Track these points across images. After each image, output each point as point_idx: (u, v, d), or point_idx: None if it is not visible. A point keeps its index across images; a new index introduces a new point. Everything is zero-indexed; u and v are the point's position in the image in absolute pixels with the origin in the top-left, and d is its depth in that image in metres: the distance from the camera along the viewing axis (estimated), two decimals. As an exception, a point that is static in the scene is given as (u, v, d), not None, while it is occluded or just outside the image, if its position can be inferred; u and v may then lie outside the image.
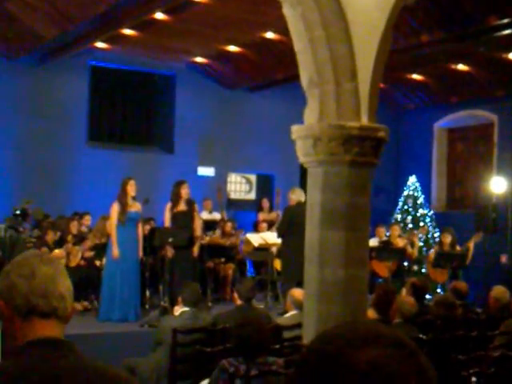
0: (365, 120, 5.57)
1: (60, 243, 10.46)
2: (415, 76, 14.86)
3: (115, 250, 9.03)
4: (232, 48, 13.51)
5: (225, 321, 5.94)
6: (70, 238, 10.50)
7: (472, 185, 15.69)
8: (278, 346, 5.24)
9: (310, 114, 5.71)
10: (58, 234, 10.68)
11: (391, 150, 15.28)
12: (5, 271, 1.91)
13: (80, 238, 10.64)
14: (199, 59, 14.54)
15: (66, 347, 1.85)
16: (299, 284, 6.96)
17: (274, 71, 14.05)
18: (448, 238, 11.91)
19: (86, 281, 9.98)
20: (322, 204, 5.62)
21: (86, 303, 10.04)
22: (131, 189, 9.26)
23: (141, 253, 9.48)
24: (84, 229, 11.40)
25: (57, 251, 10.12)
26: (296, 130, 5.80)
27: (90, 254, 10.41)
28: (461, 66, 13.77)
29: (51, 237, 10.36)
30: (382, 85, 6.02)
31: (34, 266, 1.88)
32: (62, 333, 1.89)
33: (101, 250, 9.92)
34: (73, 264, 10.13)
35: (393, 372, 0.91)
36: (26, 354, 1.81)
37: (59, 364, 1.80)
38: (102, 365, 1.89)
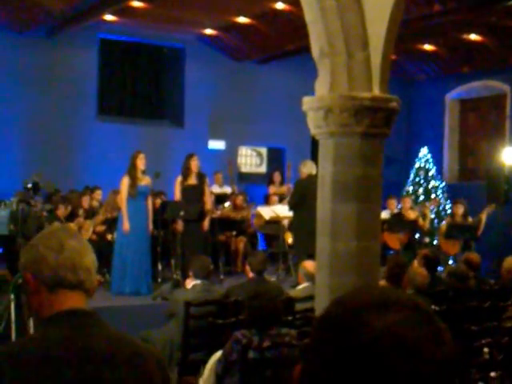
0: (376, 91, 5.51)
1: (71, 217, 10.49)
2: (427, 46, 14.69)
3: (126, 224, 9.06)
4: (242, 19, 13.38)
5: (237, 293, 5.95)
6: (81, 212, 10.53)
7: (484, 156, 15.58)
8: (290, 318, 5.25)
9: (321, 85, 5.65)
10: (69, 208, 10.71)
11: (402, 121, 15.19)
12: (31, 244, 1.94)
13: (91, 213, 10.67)
14: (209, 31, 14.42)
15: (95, 318, 1.90)
16: (310, 256, 6.96)
17: (284, 43, 13.93)
18: (460, 210, 11.86)
19: (98, 255, 9.91)
20: (333, 176, 5.59)
21: (98, 277, 10.09)
22: (141, 162, 9.25)
23: (151, 226, 9.51)
24: (95, 203, 11.43)
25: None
26: (307, 102, 5.74)
27: (101, 228, 10.45)
28: (473, 36, 13.60)
29: (62, 211, 10.39)
30: (393, 56, 5.94)
31: (61, 239, 1.92)
32: (86, 305, 1.93)
33: (112, 223, 9.95)
34: (84, 238, 10.16)
35: (409, 336, 0.91)
36: (56, 324, 1.85)
37: (90, 333, 1.84)
38: (130, 336, 1.96)
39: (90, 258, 1.95)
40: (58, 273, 1.88)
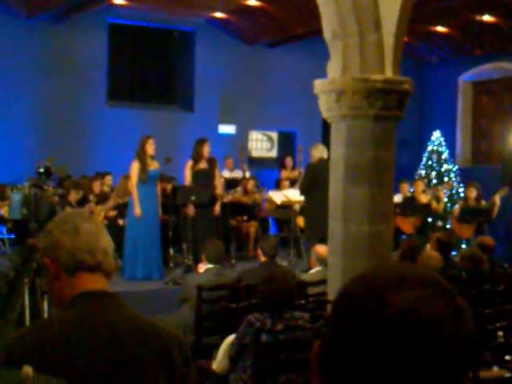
0: (389, 73, 5.46)
1: (82, 203, 10.51)
2: (439, 28, 14.56)
3: (137, 209, 9.06)
4: (252, 2, 13.29)
5: (249, 277, 5.95)
6: (92, 197, 10.55)
7: (497, 139, 15.46)
8: (303, 302, 5.24)
9: (333, 67, 5.61)
10: (81, 193, 10.73)
11: (415, 104, 15.08)
12: (47, 230, 1.97)
13: (102, 198, 10.69)
14: (219, 14, 14.34)
15: (116, 299, 1.93)
16: (322, 240, 6.94)
17: (295, 26, 13.83)
18: (473, 193, 11.79)
19: (110, 240, 10.02)
20: (345, 159, 5.55)
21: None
22: (150, 147, 9.24)
23: (160, 210, 9.52)
24: (106, 188, 11.45)
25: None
26: (319, 85, 5.70)
27: (112, 213, 10.47)
28: (486, 17, 13.44)
29: (74, 196, 10.42)
30: (405, 38, 5.87)
31: (76, 223, 1.95)
32: (106, 287, 1.95)
33: (123, 209, 9.97)
34: (96, 223, 10.18)
35: (429, 312, 0.91)
36: (78, 305, 1.88)
37: (111, 313, 1.88)
38: (149, 318, 1.99)
39: (106, 240, 1.97)
40: (76, 256, 1.91)
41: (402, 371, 0.89)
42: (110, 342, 1.82)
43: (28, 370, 1.11)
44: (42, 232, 2.02)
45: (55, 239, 1.91)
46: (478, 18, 13.47)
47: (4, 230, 10.75)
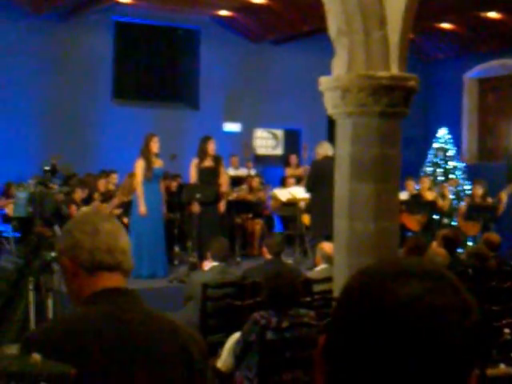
0: (394, 69, 5.45)
1: (88, 201, 10.52)
2: (445, 25, 14.51)
3: (142, 207, 9.06)
4: (257, 0, 13.27)
5: (254, 275, 5.94)
6: (97, 195, 10.55)
7: (503, 136, 15.41)
8: (308, 299, 5.23)
9: (339, 64, 5.60)
10: (86, 191, 10.74)
11: (421, 101, 15.04)
12: (66, 230, 1.99)
13: (107, 196, 10.69)
14: (223, 12, 14.33)
15: (135, 296, 1.96)
16: (328, 238, 6.93)
17: (300, 23, 13.82)
18: (479, 190, 11.76)
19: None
20: (351, 156, 5.55)
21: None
22: (154, 145, 9.23)
23: (164, 208, 9.53)
24: (111, 186, 11.45)
25: (84, 209, 10.20)
26: (324, 82, 5.69)
27: (117, 211, 10.47)
28: (492, 14, 13.39)
29: (79, 194, 10.42)
30: (411, 35, 5.86)
31: (95, 223, 1.96)
32: (125, 285, 1.97)
33: (128, 207, 9.97)
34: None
35: (435, 304, 0.91)
36: (97, 301, 1.90)
37: (130, 309, 1.89)
38: (165, 314, 2.02)
39: (125, 240, 1.99)
40: (95, 256, 1.92)
41: (407, 362, 0.89)
42: (130, 339, 1.83)
43: (36, 356, 1.13)
44: (42, 227, 2.04)
45: (75, 239, 1.92)
46: (483, 14, 13.43)
47: (9, 229, 10.76)
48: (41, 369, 1.11)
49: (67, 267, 1.93)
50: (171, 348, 1.88)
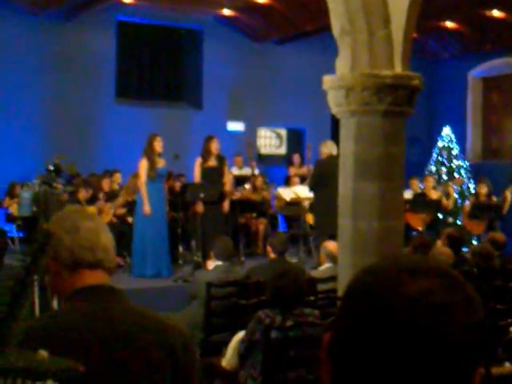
0: (398, 68, 5.44)
1: (92, 201, 10.54)
2: (449, 24, 14.49)
3: (146, 206, 9.07)
4: (260, -1, 13.28)
5: (258, 274, 5.94)
6: (101, 195, 10.57)
7: (508, 134, 15.39)
8: (312, 299, 5.23)
9: (342, 63, 5.59)
10: (91, 191, 10.75)
11: (425, 101, 15.03)
12: (49, 228, 1.96)
13: (111, 196, 10.71)
14: (227, 12, 14.33)
15: (118, 293, 1.94)
16: (332, 237, 6.92)
17: (303, 22, 13.81)
18: (484, 189, 11.74)
19: (119, 237, 10.07)
20: (355, 155, 5.54)
21: (118, 259, 10.15)
22: (158, 145, 9.25)
23: (167, 207, 9.56)
24: (115, 186, 11.46)
25: (89, 208, 10.22)
26: (328, 81, 5.69)
27: (121, 211, 10.48)
28: (495, 13, 13.36)
29: (83, 194, 10.44)
30: (414, 33, 5.85)
31: (76, 220, 1.94)
32: (109, 282, 1.95)
33: (132, 206, 9.98)
34: (105, 221, 10.19)
35: (441, 302, 0.91)
36: (79, 298, 1.89)
37: (113, 307, 1.88)
38: (154, 313, 1.98)
39: (107, 237, 1.96)
40: (75, 254, 1.91)
41: (412, 359, 0.89)
42: (111, 337, 1.81)
43: (43, 353, 1.13)
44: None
45: (55, 238, 1.90)
46: (487, 13, 13.40)
47: (13, 228, 10.79)
48: (48, 365, 1.11)
49: (49, 265, 1.92)
50: (153, 344, 1.85)
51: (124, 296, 1.94)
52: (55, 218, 2.02)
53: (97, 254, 1.91)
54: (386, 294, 0.92)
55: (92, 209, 10.21)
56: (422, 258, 1.00)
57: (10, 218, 10.90)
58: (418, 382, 0.90)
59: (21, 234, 10.68)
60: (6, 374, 1.13)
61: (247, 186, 12.17)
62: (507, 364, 4.31)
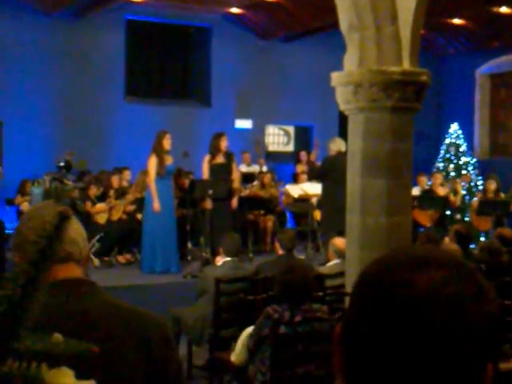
0: (406, 64, 5.45)
1: (102, 197, 10.59)
2: (456, 21, 14.46)
3: (156, 203, 9.10)
4: (268, -3, 13.29)
5: (267, 270, 5.96)
6: (111, 192, 10.62)
7: (515, 131, 15.35)
8: (321, 294, 5.25)
9: (350, 60, 5.60)
10: (101, 189, 10.79)
11: (432, 97, 14.99)
12: (17, 227, 1.98)
13: (121, 193, 10.75)
14: (235, 10, 14.35)
15: (91, 285, 1.91)
16: (340, 233, 6.94)
17: (310, 20, 13.82)
18: (492, 185, 11.71)
19: (128, 234, 10.12)
20: (363, 151, 5.55)
21: (128, 256, 10.20)
22: (167, 142, 9.28)
23: (176, 204, 9.63)
24: (125, 183, 11.50)
25: (99, 205, 10.27)
26: (336, 77, 5.70)
27: (131, 207, 10.53)
28: (503, 9, 13.33)
29: (94, 191, 10.49)
30: (422, 30, 5.85)
31: (41, 216, 1.90)
32: (82, 275, 1.93)
33: (141, 203, 10.03)
34: (115, 218, 10.28)
35: (453, 292, 0.90)
36: (51, 292, 1.84)
37: (85, 299, 1.86)
38: (130, 305, 1.95)
39: (74, 229, 1.94)
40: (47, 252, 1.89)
41: (424, 350, 0.88)
42: (84, 328, 1.78)
43: (58, 336, 1.14)
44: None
45: (22, 235, 1.89)
46: (495, 9, 13.36)
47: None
48: (63, 348, 1.11)
49: (18, 262, 1.88)
50: (129, 335, 1.83)
51: (98, 288, 1.93)
52: (23, 216, 2.00)
53: (64, 249, 1.89)
54: (397, 285, 0.91)
55: (102, 206, 10.27)
56: (434, 249, 0.98)
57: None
58: (429, 374, 0.89)
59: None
60: (21, 357, 1.12)
61: (255, 183, 12.20)
62: (515, 359, 4.32)
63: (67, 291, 1.86)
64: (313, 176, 9.99)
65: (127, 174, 11.79)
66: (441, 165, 14.54)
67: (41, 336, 1.12)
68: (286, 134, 16.48)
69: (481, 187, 13.39)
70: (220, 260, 6.27)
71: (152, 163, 9.23)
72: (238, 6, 14.16)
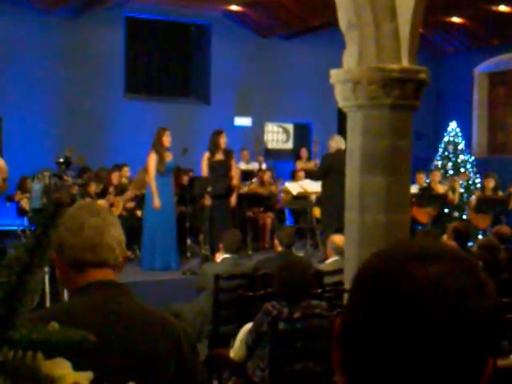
0: (405, 62, 5.46)
1: (102, 194, 10.60)
2: (455, 19, 14.47)
3: (156, 201, 9.12)
4: (267, -6, 13.30)
5: (266, 267, 5.97)
6: (111, 189, 10.63)
7: (514, 130, 15.37)
8: (319, 291, 5.27)
9: (349, 57, 5.62)
10: (101, 186, 10.81)
11: (431, 95, 15.03)
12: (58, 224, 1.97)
13: (121, 189, 10.77)
14: (234, 7, 14.35)
15: (125, 288, 1.94)
16: (339, 230, 6.96)
17: (310, 17, 13.83)
18: (491, 183, 11.74)
19: (128, 231, 10.10)
20: (362, 149, 5.57)
21: (128, 252, 10.21)
22: (167, 139, 9.29)
23: (175, 201, 9.65)
24: (124, 180, 11.52)
25: (99, 202, 10.27)
26: (335, 74, 5.71)
27: (130, 204, 10.54)
28: (502, 7, 13.34)
29: (94, 188, 10.51)
30: (421, 28, 5.87)
31: (82, 218, 1.91)
32: (114, 278, 1.95)
33: (141, 200, 10.04)
34: (115, 214, 10.28)
35: (453, 287, 0.90)
36: (86, 293, 1.88)
37: (119, 301, 1.88)
38: (159, 309, 1.99)
39: (112, 235, 1.93)
40: (78, 255, 1.89)
41: (423, 344, 0.88)
42: (118, 331, 1.81)
43: (55, 324, 1.14)
44: None
45: (60, 236, 1.86)
46: (494, 8, 13.37)
47: (25, 222, 10.84)
48: (59, 337, 1.11)
49: (55, 262, 1.92)
50: (161, 340, 1.86)
51: (130, 291, 1.94)
52: (65, 215, 2.01)
53: (100, 255, 1.90)
54: (396, 278, 0.91)
55: (102, 202, 10.28)
56: (433, 243, 0.98)
57: (22, 212, 10.96)
58: (427, 366, 0.89)
59: (33, 228, 10.73)
60: (16, 346, 1.11)
61: (254, 179, 12.22)
62: (513, 356, 4.33)
63: (102, 293, 1.87)
64: (315, 178, 10.02)
65: (127, 171, 11.82)
66: (439, 163, 14.57)
67: (37, 325, 1.12)
68: (285, 131, 16.50)
69: (479, 185, 13.41)
70: (219, 257, 6.29)
71: (152, 160, 9.24)
72: (237, 4, 14.17)
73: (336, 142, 9.77)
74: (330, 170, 9.34)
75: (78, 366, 1.21)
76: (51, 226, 1.25)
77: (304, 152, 13.81)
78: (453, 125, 14.87)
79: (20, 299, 1.16)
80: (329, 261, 6.57)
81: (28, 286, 1.18)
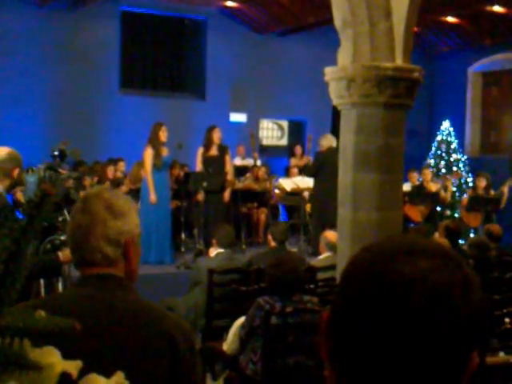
0: (399, 61, 5.50)
1: (96, 188, 10.61)
2: (449, 18, 14.52)
3: (152, 195, 9.16)
4: (263, -9, 13.32)
5: (259, 262, 6.02)
6: (106, 184, 10.64)
7: (506, 129, 15.43)
8: (312, 286, 5.32)
9: (344, 55, 5.66)
10: (96, 180, 10.82)
11: (424, 94, 15.09)
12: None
13: (116, 184, 10.78)
14: (230, 3, 14.37)
15: (122, 282, 1.95)
16: (330, 227, 7.01)
17: (305, 14, 13.84)
18: (483, 182, 11.80)
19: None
20: (355, 146, 5.61)
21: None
22: (163, 134, 9.32)
23: (171, 196, 9.69)
24: (119, 174, 11.53)
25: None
26: (329, 72, 5.75)
27: (125, 199, 10.55)
28: (496, 8, 13.39)
29: (89, 182, 10.52)
30: (415, 28, 5.91)
31: (73, 217, 1.96)
32: (113, 271, 1.95)
33: (136, 194, 10.06)
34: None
35: (439, 281, 0.91)
36: (82, 284, 1.93)
37: (115, 293, 1.90)
38: (158, 307, 2.00)
39: (101, 233, 1.92)
40: (72, 254, 1.97)
41: (409, 338, 0.90)
42: (111, 323, 1.82)
43: (41, 312, 1.17)
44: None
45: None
46: (488, 8, 13.42)
47: (19, 215, 10.86)
48: (45, 324, 1.11)
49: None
50: (155, 335, 1.85)
51: (129, 284, 1.95)
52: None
53: (85, 256, 1.92)
54: (384, 273, 0.92)
55: (100, 189, 10.26)
56: (421, 239, 1.00)
57: (17, 205, 10.96)
58: (413, 359, 0.90)
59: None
60: (3, 333, 1.12)
61: (248, 175, 12.26)
62: (502, 354, 4.39)
63: (98, 284, 1.90)
64: (309, 175, 10.09)
65: (122, 165, 11.83)
66: (432, 161, 14.63)
67: (24, 313, 1.14)
68: (280, 128, 16.55)
69: (471, 184, 13.49)
70: (213, 251, 6.33)
71: (148, 155, 9.27)
72: (233, 0, 14.19)
73: (327, 141, 9.83)
74: (322, 168, 9.40)
75: (64, 353, 1.24)
76: (37, 216, 1.27)
77: (298, 149, 13.86)
78: (446, 124, 14.92)
79: (6, 287, 1.17)
80: (321, 257, 6.62)
81: (14, 275, 1.20)
